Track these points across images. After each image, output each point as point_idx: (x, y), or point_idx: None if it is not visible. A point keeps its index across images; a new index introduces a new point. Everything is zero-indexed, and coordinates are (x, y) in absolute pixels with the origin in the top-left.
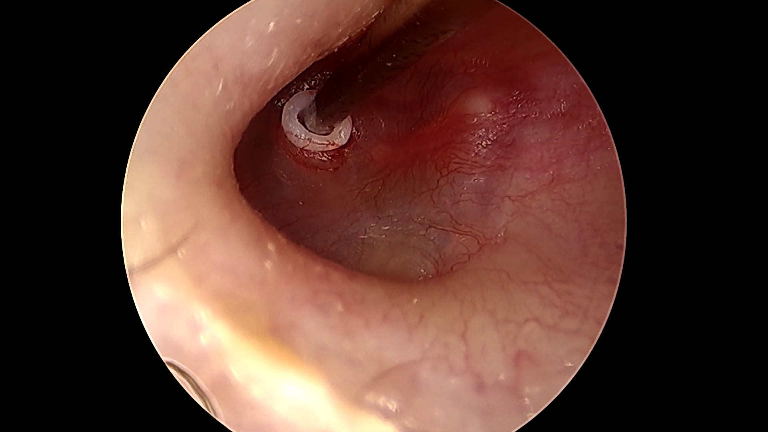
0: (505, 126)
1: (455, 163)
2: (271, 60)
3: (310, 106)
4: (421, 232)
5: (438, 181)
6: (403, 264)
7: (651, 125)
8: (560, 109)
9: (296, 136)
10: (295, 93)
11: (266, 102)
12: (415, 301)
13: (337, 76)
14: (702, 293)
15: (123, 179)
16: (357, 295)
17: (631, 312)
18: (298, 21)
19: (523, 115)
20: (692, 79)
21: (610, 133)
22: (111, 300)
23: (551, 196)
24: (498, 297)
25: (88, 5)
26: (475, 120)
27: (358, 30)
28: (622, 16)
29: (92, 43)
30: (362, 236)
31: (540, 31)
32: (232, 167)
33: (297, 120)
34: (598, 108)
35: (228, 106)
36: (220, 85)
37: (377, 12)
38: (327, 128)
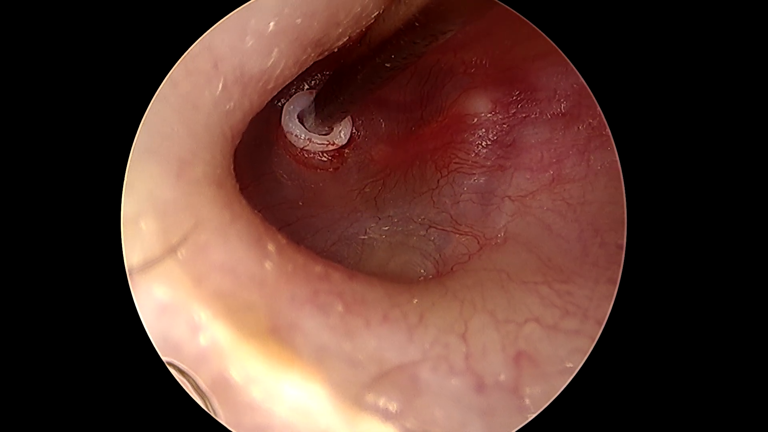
0: (505, 126)
1: (455, 163)
2: (271, 60)
3: (309, 106)
4: (422, 233)
5: (438, 181)
6: (404, 264)
7: (651, 125)
8: (560, 109)
9: (296, 136)
10: (295, 93)
11: (266, 102)
12: (415, 301)
13: (336, 77)
14: (702, 293)
15: (123, 179)
16: (357, 295)
17: (631, 312)
18: (298, 21)
19: (524, 115)
20: (692, 79)
21: (610, 133)
22: (111, 300)
23: (551, 196)
24: (498, 297)
25: (88, 5)
26: (476, 120)
27: (358, 30)
28: (622, 16)
29: (92, 43)
30: (362, 236)
31: (540, 31)
32: (232, 167)
33: (297, 120)
34: (599, 108)
35: (228, 106)
36: (220, 85)
37: (377, 12)
38: (326, 128)
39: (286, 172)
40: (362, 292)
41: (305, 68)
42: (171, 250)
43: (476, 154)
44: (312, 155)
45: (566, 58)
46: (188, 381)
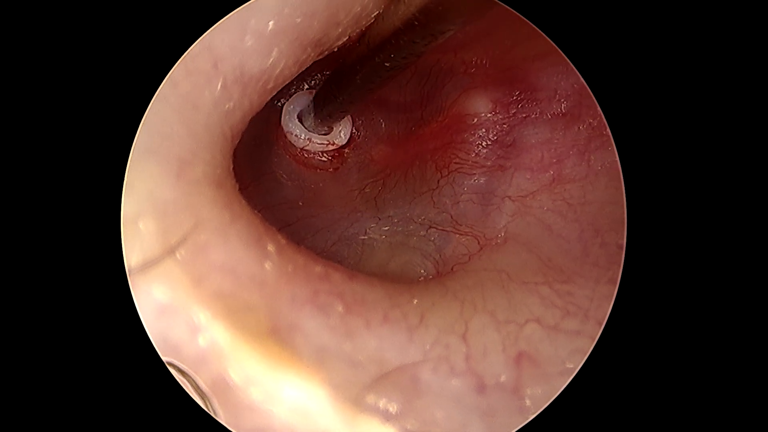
0: (505, 126)
1: (455, 163)
2: (271, 60)
3: (308, 106)
4: (422, 233)
5: (438, 181)
6: (404, 264)
7: (651, 125)
8: (561, 109)
9: (296, 136)
10: (295, 93)
11: (266, 102)
12: (415, 301)
13: (335, 77)
14: (702, 293)
15: (123, 179)
16: (357, 295)
17: (631, 312)
18: (298, 20)
19: (524, 115)
20: (692, 79)
21: (610, 133)
22: (111, 300)
23: (552, 196)
24: (499, 297)
25: (88, 5)
26: (476, 120)
27: (358, 30)
28: (622, 16)
29: (92, 43)
30: (362, 237)
31: (540, 31)
32: (231, 167)
33: (297, 120)
34: (599, 108)
35: (228, 106)
36: (220, 85)
37: (377, 12)
38: (326, 128)
39: (286, 172)
40: (362, 293)
41: (305, 68)
42: (170, 251)
43: (476, 154)
44: (312, 155)
45: (566, 58)
46: (188, 381)
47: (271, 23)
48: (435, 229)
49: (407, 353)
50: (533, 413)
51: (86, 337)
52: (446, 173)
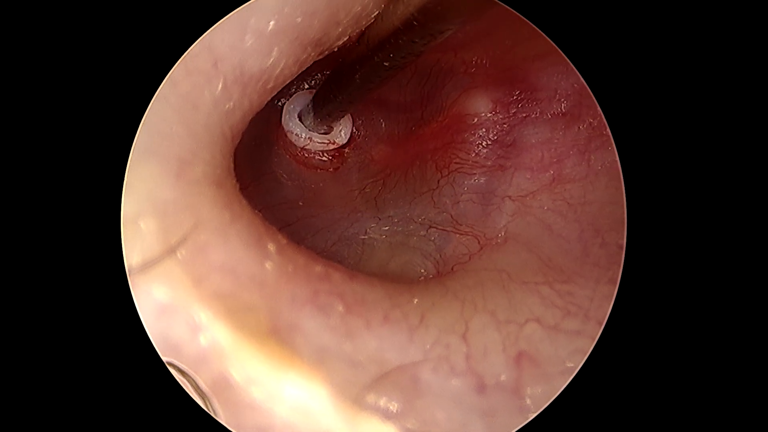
0: (505, 126)
1: (456, 163)
2: (271, 59)
3: (308, 105)
4: (422, 233)
5: (438, 181)
6: (404, 264)
7: (651, 125)
8: (561, 108)
9: (296, 135)
10: (295, 92)
11: (266, 101)
12: (415, 301)
13: (334, 76)
14: (702, 293)
15: (123, 179)
16: (357, 295)
17: (631, 312)
18: (299, 20)
19: (524, 115)
20: (692, 79)
21: (610, 133)
22: (111, 300)
23: (552, 196)
24: (499, 297)
25: (88, 5)
26: (476, 120)
27: (358, 29)
28: (622, 16)
29: (92, 43)
30: (363, 236)
31: (540, 31)
32: (232, 167)
33: (297, 119)
34: (599, 108)
35: (228, 106)
36: (220, 85)
37: (377, 12)
38: (325, 127)
39: (286, 172)
40: (363, 293)
41: (305, 67)
42: (170, 251)
43: (476, 154)
44: (312, 155)
45: (566, 58)
46: (188, 381)
47: (271, 23)
48: (435, 229)
49: (407, 353)
50: (533, 413)
51: (86, 337)
52: (446, 173)
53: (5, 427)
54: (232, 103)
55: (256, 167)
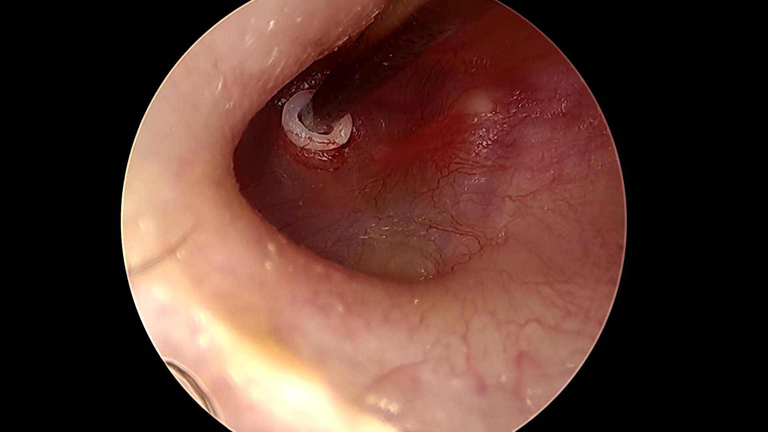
0: (505, 126)
1: (456, 163)
2: (271, 59)
3: (308, 105)
4: (422, 233)
5: (438, 181)
6: (404, 264)
7: (651, 125)
8: (561, 108)
9: (296, 135)
10: (295, 92)
11: (266, 101)
12: (415, 301)
13: (334, 76)
14: (702, 293)
15: (123, 179)
16: (357, 295)
17: (631, 312)
18: (299, 20)
19: (524, 114)
20: (692, 79)
21: (610, 133)
22: (111, 300)
23: (552, 196)
24: (499, 297)
25: (88, 5)
26: (476, 120)
27: (359, 29)
28: (622, 16)
29: (92, 42)
30: (363, 236)
31: (540, 31)
32: (231, 167)
33: (297, 119)
34: (599, 108)
35: (228, 106)
36: (220, 85)
37: (377, 11)
38: (325, 127)
39: (286, 172)
40: (363, 293)
41: (305, 67)
42: (170, 251)
43: (477, 154)
44: (312, 155)
45: (566, 58)
46: (188, 381)
47: (271, 22)
48: (435, 229)
49: (408, 353)
50: (534, 413)
51: (86, 337)
52: (446, 173)
53: (5, 427)
54: (232, 103)
55: (256, 167)
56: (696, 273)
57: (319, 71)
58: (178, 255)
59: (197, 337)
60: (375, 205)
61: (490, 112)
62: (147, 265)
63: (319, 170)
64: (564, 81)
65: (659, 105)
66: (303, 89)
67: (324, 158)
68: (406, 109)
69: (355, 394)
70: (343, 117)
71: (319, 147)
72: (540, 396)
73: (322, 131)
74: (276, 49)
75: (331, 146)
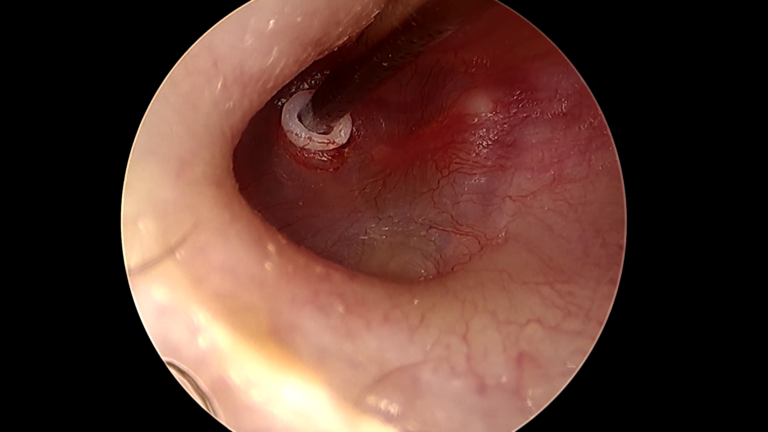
0: (506, 126)
1: (456, 163)
2: (271, 59)
3: (307, 105)
4: (422, 233)
5: (439, 181)
6: (404, 264)
7: (651, 125)
8: (561, 108)
9: (296, 135)
10: (295, 92)
11: (266, 101)
12: (416, 302)
13: (333, 76)
14: (702, 293)
15: (123, 179)
16: (358, 295)
17: (631, 312)
18: (299, 19)
19: (524, 114)
20: (692, 79)
21: (611, 133)
22: (111, 300)
23: (552, 196)
24: (499, 298)
25: (88, 5)
26: (476, 120)
27: (359, 29)
28: (622, 16)
29: (92, 42)
30: (363, 237)
31: (540, 31)
32: (231, 167)
33: (297, 119)
34: (599, 108)
35: (228, 106)
36: (220, 85)
37: (377, 11)
38: (325, 127)
39: (286, 172)
40: (363, 293)
41: (305, 67)
42: (170, 251)
43: (477, 154)
44: (312, 155)
45: (566, 58)
46: (188, 381)
47: (271, 22)
48: (435, 229)
49: (408, 354)
50: (534, 414)
51: (87, 337)
52: (447, 173)
53: (5, 427)
54: (232, 103)
55: (256, 167)
56: (696, 273)
57: (319, 71)
58: (178, 255)
59: (197, 338)
60: (375, 206)
61: (491, 112)
62: (147, 266)
63: (319, 170)
64: (564, 81)
65: (659, 105)
66: (303, 89)
67: (324, 158)
68: (406, 109)
69: (356, 395)
70: (342, 117)
71: (319, 147)
72: (540, 396)
73: (321, 131)
74: (276, 48)
75: (331, 146)
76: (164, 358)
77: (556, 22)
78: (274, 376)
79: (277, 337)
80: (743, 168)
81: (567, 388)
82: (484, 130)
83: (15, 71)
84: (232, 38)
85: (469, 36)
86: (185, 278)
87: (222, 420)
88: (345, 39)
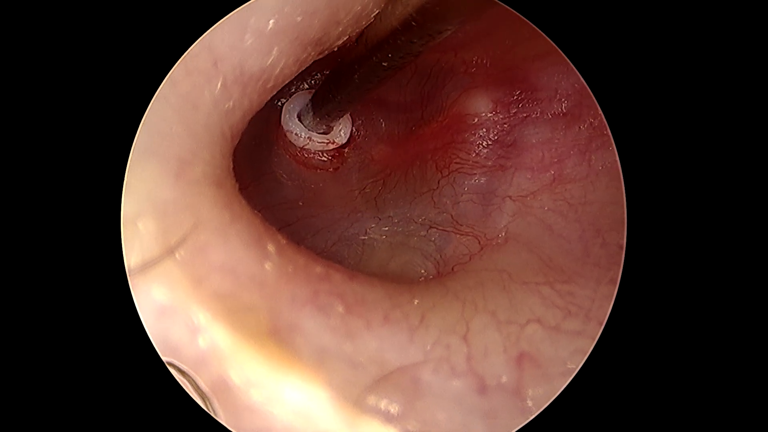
0: (506, 126)
1: (456, 163)
2: (271, 58)
3: (307, 105)
4: (422, 233)
5: (439, 181)
6: (404, 264)
7: (651, 125)
8: (561, 108)
9: (296, 135)
10: (294, 92)
11: (266, 101)
12: (416, 302)
13: (333, 76)
14: (702, 293)
15: (123, 179)
16: (358, 295)
17: (631, 312)
18: (299, 19)
19: (524, 114)
20: (692, 79)
21: (611, 133)
22: (111, 300)
23: (552, 196)
24: (500, 298)
25: (88, 5)
26: (476, 120)
27: (359, 29)
28: (622, 16)
29: (92, 42)
30: (363, 237)
31: (540, 31)
32: (231, 167)
33: (297, 119)
34: (599, 108)
35: (227, 105)
36: (220, 84)
37: (377, 11)
38: (324, 127)
39: (286, 172)
40: (363, 293)
41: (305, 67)
42: (170, 251)
43: (477, 154)
44: (312, 155)
45: (566, 58)
46: (188, 381)
47: (271, 22)
48: (435, 229)
49: (408, 354)
50: (534, 414)
51: (87, 337)
52: (447, 173)
53: (5, 427)
54: (231, 103)
55: (255, 167)
56: (696, 273)
57: (318, 71)
58: (178, 255)
59: (197, 338)
60: (375, 206)
61: (491, 112)
62: (147, 266)
63: (318, 170)
64: (564, 81)
65: (659, 105)
66: (303, 89)
67: (324, 158)
68: (406, 109)
69: (356, 395)
70: (342, 117)
71: (319, 147)
72: (541, 396)
73: (321, 131)
74: (276, 48)
75: (331, 146)
76: (164, 358)
77: (556, 22)
78: (274, 376)
79: (277, 337)
80: (743, 168)
81: (567, 388)
82: (484, 130)
83: (15, 71)
84: (232, 38)
85: (469, 36)
86: (185, 278)
87: (222, 420)
88: (345, 39)
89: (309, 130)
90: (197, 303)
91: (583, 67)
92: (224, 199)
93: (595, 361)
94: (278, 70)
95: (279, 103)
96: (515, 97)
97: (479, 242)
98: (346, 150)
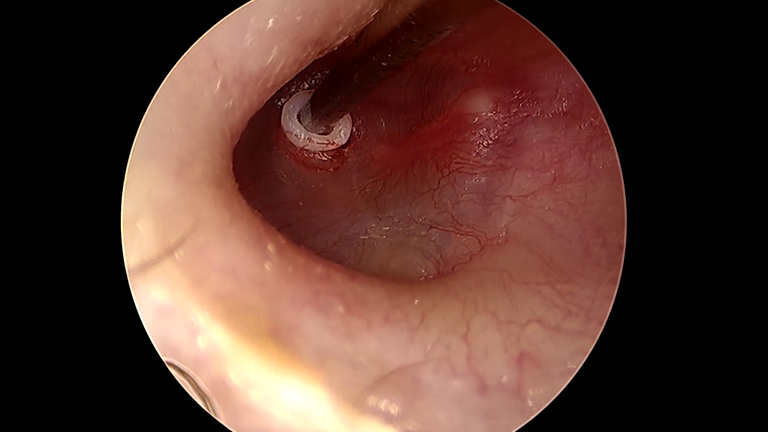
0: (506, 125)
1: (456, 163)
2: (271, 58)
3: (306, 105)
4: (422, 233)
5: (439, 181)
6: (404, 264)
7: (651, 125)
8: (562, 108)
9: (296, 135)
10: (294, 92)
11: (266, 101)
12: (416, 302)
13: (333, 76)
14: (702, 293)
15: (123, 179)
16: (358, 295)
17: (631, 312)
18: (298, 19)
19: (525, 114)
20: (692, 79)
21: (611, 133)
22: (111, 300)
23: (553, 195)
24: (500, 298)
25: (88, 5)
26: (476, 119)
27: (358, 29)
28: (622, 16)
29: (92, 42)
30: (363, 237)
31: (540, 31)
32: (231, 167)
33: (296, 119)
34: (600, 107)
35: (227, 105)
36: (219, 84)
37: (377, 11)
38: (324, 127)
39: (286, 172)
40: (363, 293)
41: (305, 67)
42: (169, 251)
43: (477, 153)
44: (312, 155)
45: (566, 58)
46: (188, 381)
47: (271, 22)
48: (436, 229)
49: (408, 354)
50: (535, 414)
51: (87, 337)
52: (447, 173)
53: (5, 427)
54: (231, 103)
55: (255, 167)
56: (696, 273)
57: (318, 71)
58: (177, 255)
59: (196, 339)
60: (375, 205)
61: (491, 112)
62: (146, 266)
63: (319, 170)
64: (564, 80)
65: (659, 105)
66: (303, 89)
67: (324, 158)
68: (407, 109)
69: (356, 395)
70: (341, 117)
71: (319, 147)
72: (541, 396)
73: (321, 132)
74: (276, 48)
75: (331, 147)
76: (164, 358)
77: (556, 22)
78: (274, 376)
79: (277, 337)
80: (743, 168)
81: (567, 388)
82: (485, 129)
83: (15, 71)
84: (232, 38)
85: (469, 36)
86: (185, 278)
87: (222, 420)
88: (345, 38)
89: (308, 130)
90: (197, 303)
91: (583, 67)
92: (224, 199)
93: (596, 361)
94: (278, 69)
95: (279, 103)
96: (515, 97)
97: (479, 242)
98: (346, 150)
